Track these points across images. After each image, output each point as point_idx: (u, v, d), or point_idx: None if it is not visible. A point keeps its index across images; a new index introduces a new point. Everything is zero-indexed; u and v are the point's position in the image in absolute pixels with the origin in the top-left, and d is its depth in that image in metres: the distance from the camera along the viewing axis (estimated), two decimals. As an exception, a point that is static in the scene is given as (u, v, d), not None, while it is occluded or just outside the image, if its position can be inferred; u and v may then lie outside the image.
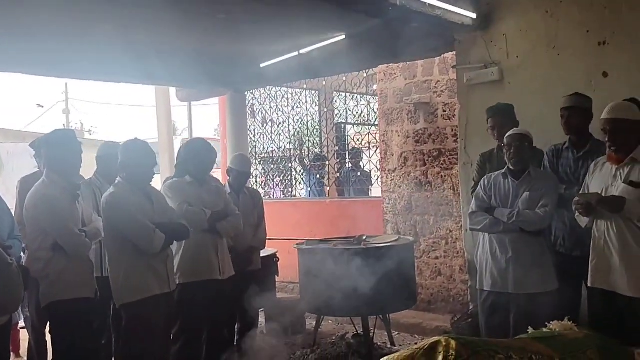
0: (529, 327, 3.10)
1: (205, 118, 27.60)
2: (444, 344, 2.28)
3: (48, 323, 3.92)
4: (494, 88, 4.82)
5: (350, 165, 8.40)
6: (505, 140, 3.82)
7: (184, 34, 5.62)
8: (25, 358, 4.80)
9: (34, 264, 3.64)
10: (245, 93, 8.34)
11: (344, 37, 5.78)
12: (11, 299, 1.54)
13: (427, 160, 6.66)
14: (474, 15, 4.78)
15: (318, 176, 8.71)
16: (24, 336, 4.88)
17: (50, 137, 3.82)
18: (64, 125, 24.00)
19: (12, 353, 4.54)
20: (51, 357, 3.86)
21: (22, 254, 4.00)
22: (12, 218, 4.10)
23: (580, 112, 3.86)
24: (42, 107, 25.96)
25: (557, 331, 2.97)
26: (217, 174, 8.85)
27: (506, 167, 3.86)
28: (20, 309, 4.68)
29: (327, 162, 8.69)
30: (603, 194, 3.28)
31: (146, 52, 5.80)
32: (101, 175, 4.49)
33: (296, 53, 6.25)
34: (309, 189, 8.86)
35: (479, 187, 3.98)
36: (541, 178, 3.81)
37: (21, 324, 5.31)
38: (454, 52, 5.33)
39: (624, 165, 3.27)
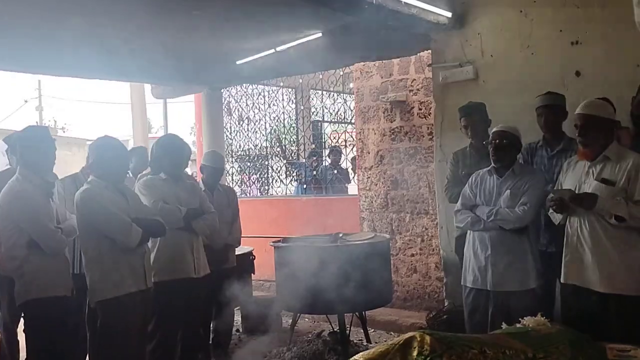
0: (503, 323, 3.15)
1: (181, 116, 27.31)
2: (419, 339, 2.29)
3: (21, 322, 3.85)
4: (468, 87, 4.87)
5: (329, 162, 8.36)
6: (490, 135, 3.84)
7: (158, 30, 5.56)
8: (-4, 358, 4.71)
9: (8, 262, 3.58)
10: (221, 90, 8.28)
11: (320, 34, 5.78)
12: None
13: (403, 158, 6.69)
14: (449, 14, 4.81)
15: (315, 173, 8.56)
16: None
17: (24, 133, 3.75)
18: (37, 122, 23.59)
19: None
20: (24, 357, 3.79)
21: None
22: None
23: (556, 110, 3.93)
24: (27, 102, 25.55)
25: (530, 327, 3.01)
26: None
27: (492, 165, 3.86)
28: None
29: (304, 160, 8.66)
30: (576, 192, 3.33)
31: (119, 48, 5.73)
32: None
33: (272, 50, 6.23)
34: (304, 186, 8.66)
35: (466, 184, 3.98)
36: (525, 175, 3.80)
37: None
38: (430, 51, 5.36)
39: (596, 162, 3.32)
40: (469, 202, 3.91)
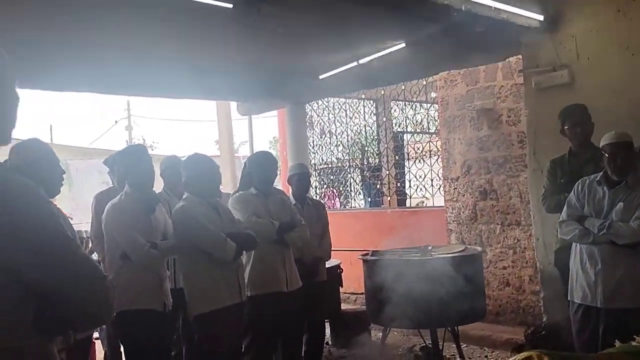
0: (617, 341, 2.94)
1: (261, 130, 28.02)
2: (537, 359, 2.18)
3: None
4: (564, 91, 4.65)
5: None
6: (607, 147, 3.54)
7: (244, 49, 5.69)
8: (100, 369, 4.94)
9: (109, 274, 3.73)
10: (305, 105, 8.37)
11: (403, 45, 5.72)
12: (108, 312, 1.57)
13: (492, 167, 6.49)
14: (541, 17, 4.63)
15: (378, 186, 8.66)
16: (98, 347, 5.02)
17: (124, 152, 3.94)
18: (126, 141, 24.84)
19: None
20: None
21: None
22: None
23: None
24: (117, 122, 27.07)
25: (647, 345, 2.80)
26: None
27: (602, 174, 3.60)
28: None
29: (388, 172, 8.62)
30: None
31: (207, 68, 5.92)
32: (169, 188, 4.57)
33: (355, 63, 6.23)
34: (369, 199, 8.84)
35: (572, 192, 3.74)
36: (639, 186, 3.51)
37: (95, 335, 5.47)
38: (519, 56, 5.18)
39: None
40: (576, 212, 3.65)
